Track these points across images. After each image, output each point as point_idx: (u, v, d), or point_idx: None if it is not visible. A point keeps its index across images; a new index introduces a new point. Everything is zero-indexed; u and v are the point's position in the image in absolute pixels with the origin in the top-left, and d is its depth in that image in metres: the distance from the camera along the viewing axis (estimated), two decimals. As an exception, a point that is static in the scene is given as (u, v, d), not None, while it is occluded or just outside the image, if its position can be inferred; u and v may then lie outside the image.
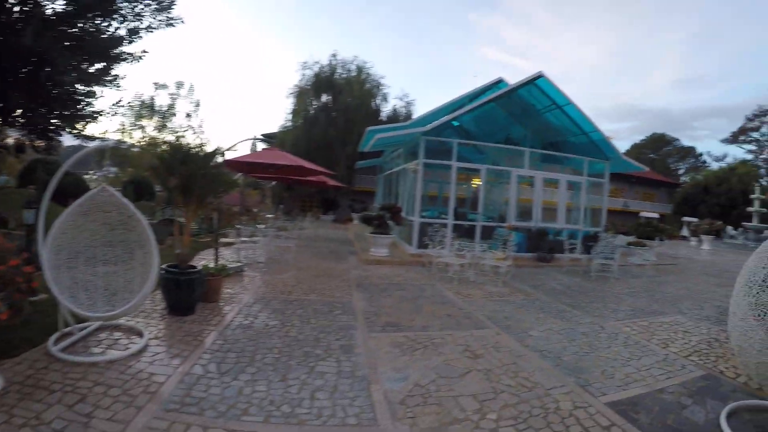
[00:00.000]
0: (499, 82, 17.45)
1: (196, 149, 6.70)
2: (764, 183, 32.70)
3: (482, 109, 14.92)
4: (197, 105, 35.87)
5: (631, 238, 16.32)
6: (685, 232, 29.43)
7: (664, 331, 6.58)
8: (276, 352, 4.60)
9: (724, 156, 56.33)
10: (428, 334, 5.61)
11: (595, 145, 15.76)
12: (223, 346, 4.65)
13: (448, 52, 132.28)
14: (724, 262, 18.04)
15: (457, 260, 9.75)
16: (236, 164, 12.93)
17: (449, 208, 13.79)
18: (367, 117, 28.51)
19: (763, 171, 47.53)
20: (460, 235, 12.86)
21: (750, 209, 28.60)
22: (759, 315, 3.74)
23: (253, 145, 18.89)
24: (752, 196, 28.53)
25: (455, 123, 15.52)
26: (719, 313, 8.08)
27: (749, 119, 50.78)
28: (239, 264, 8.98)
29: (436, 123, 13.42)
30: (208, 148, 7.04)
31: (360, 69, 31.05)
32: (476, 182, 18.49)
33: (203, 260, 7.77)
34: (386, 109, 32.39)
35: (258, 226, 13.25)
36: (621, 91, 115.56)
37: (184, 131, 34.88)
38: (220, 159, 8.00)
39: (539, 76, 14.06)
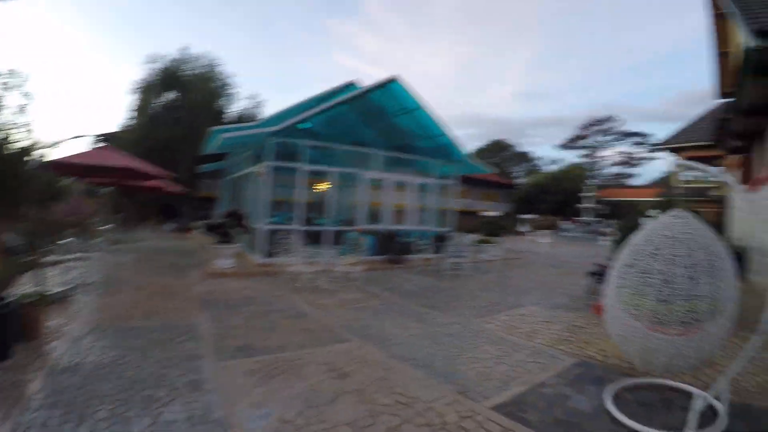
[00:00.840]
0: (350, 85, 18.22)
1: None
2: (591, 183, 40.78)
3: (334, 110, 15.23)
4: (28, 97, 28.87)
5: (479, 236, 18.28)
6: (522, 228, 34.73)
7: (526, 324, 7.24)
8: (111, 401, 3.94)
9: (558, 160, 69.68)
10: (287, 356, 5.30)
11: (444, 148, 17.41)
12: (47, 400, 3.92)
13: (303, 56, 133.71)
14: (562, 253, 21.65)
15: (309, 268, 9.91)
16: (65, 167, 11.89)
17: (298, 213, 13.90)
18: (214, 117, 29.14)
19: (591, 172, 59.66)
20: (310, 241, 13.17)
21: (581, 205, 35.47)
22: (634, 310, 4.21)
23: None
24: (582, 193, 35.41)
25: (305, 125, 15.51)
26: (570, 300, 9.44)
27: (582, 128, 64.34)
28: (66, 287, 8.16)
29: (285, 123, 13.33)
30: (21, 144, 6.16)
31: (211, 66, 31.69)
32: (324, 186, 18.81)
33: (26, 286, 6.21)
34: (234, 110, 33.44)
35: (92, 239, 11.47)
36: (466, 101, 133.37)
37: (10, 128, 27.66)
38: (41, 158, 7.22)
39: (393, 79, 15.09)
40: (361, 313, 7.69)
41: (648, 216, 4.84)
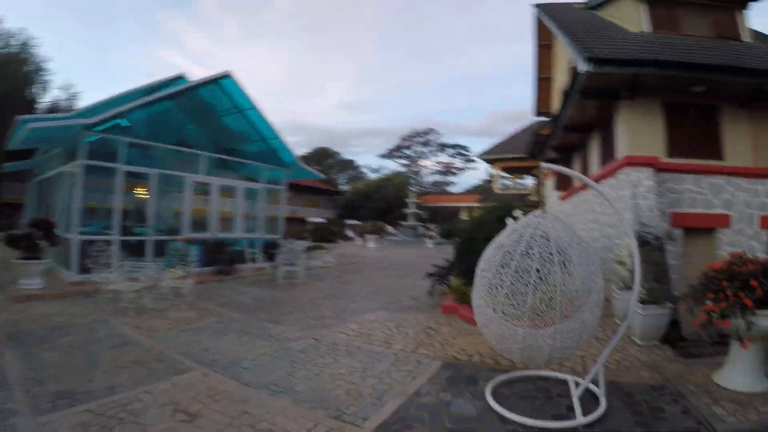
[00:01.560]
0: (178, 78, 16.53)
1: None
2: (414, 190, 43.73)
3: (160, 105, 13.44)
4: None
5: (310, 242, 17.89)
6: (350, 233, 35.55)
7: (379, 330, 7.01)
8: None
9: (381, 168, 73.31)
10: (120, 399, 4.20)
11: (275, 153, 16.73)
12: None
13: (126, 47, 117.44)
14: (392, 256, 22.41)
15: (131, 285, 8.60)
16: None
17: (114, 222, 12.08)
18: (26, 106, 25.44)
19: (413, 180, 64.19)
20: (131, 253, 11.43)
21: (405, 211, 37.63)
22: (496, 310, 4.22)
23: None
24: (407, 200, 37.69)
25: (125, 122, 13.32)
26: (415, 302, 9.52)
27: (404, 139, 68.68)
28: None
29: (103, 115, 11.25)
30: None
31: (25, 46, 28.03)
32: (143, 191, 16.52)
33: None
34: (46, 100, 29.71)
35: None
36: (292, 109, 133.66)
37: None
38: None
39: (226, 75, 14.04)
40: (198, 334, 6.64)
41: (513, 217, 4.88)
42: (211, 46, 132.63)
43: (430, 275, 10.75)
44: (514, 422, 3.78)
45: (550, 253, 3.86)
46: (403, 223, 37.80)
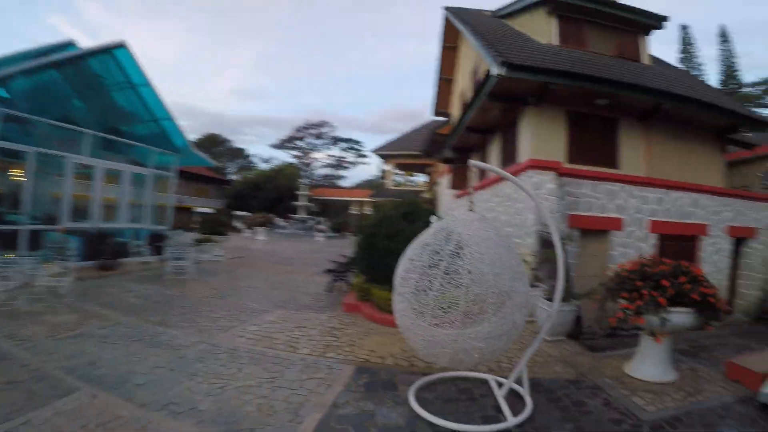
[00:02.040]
0: (67, 45, 14.59)
1: None
2: (305, 182, 42.74)
3: (43, 74, 11.36)
4: None
5: (199, 235, 16.58)
6: (238, 225, 33.89)
7: (281, 332, 6.42)
8: None
9: (272, 158, 70.99)
10: None
11: (166, 135, 15.13)
12: None
13: (8, 8, 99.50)
14: (283, 250, 21.37)
15: (0, 284, 7.39)
16: None
17: None
18: None
19: (304, 172, 62.46)
20: (0, 245, 9.62)
21: (296, 203, 36.62)
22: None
23: None
24: (298, 192, 36.68)
25: (2, 92, 11.02)
26: (314, 299, 9.03)
27: (297, 130, 66.45)
28: None
29: None
30: None
31: None
32: (18, 173, 13.93)
33: None
34: None
35: None
36: (183, 91, 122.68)
37: None
38: None
39: (120, 45, 12.37)
40: (81, 343, 5.55)
41: (433, 219, 4.69)
42: (106, 16, 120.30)
43: (329, 271, 10.36)
44: (445, 429, 3.58)
45: (480, 253, 3.70)
46: (294, 215, 36.90)
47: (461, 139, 14.22)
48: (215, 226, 21.28)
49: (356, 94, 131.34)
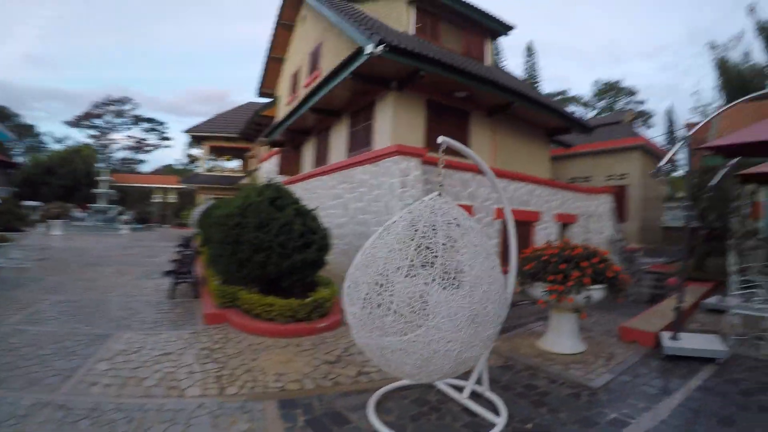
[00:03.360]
0: None
1: None
2: (104, 166, 36.48)
3: None
4: None
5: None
6: (33, 217, 28.04)
7: (146, 366, 4.58)
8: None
9: (66, 138, 60.31)
10: None
11: None
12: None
13: None
14: (89, 247, 17.34)
15: None
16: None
17: None
18: None
19: (101, 155, 53.44)
20: None
21: (96, 191, 31.21)
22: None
23: None
24: (99, 177, 31.20)
25: None
26: (160, 312, 7.00)
27: (96, 106, 58.01)
28: None
29: None
30: None
31: None
32: None
33: None
34: None
35: None
36: None
37: None
38: None
39: None
40: None
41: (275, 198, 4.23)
42: None
43: (169, 273, 8.40)
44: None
45: (475, 245, 3.13)
46: (92, 205, 31.51)
47: (299, 120, 13.40)
48: (10, 220, 17.16)
49: (159, 72, 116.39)
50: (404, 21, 11.54)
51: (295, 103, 14.17)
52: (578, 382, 4.33)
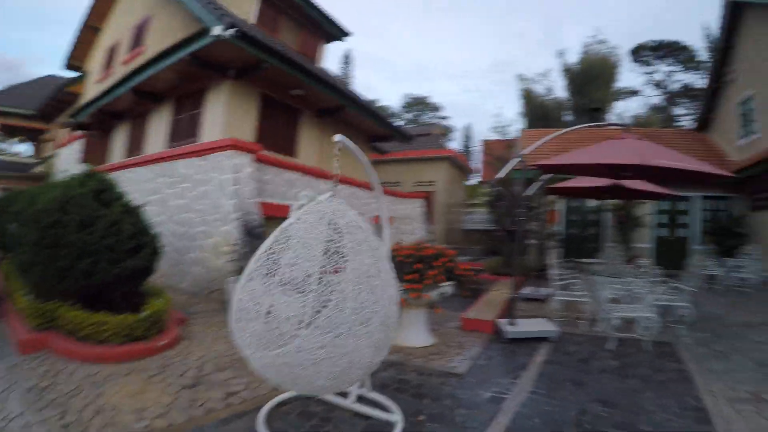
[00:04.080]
0: None
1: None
2: None
3: None
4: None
5: None
6: None
7: None
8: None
9: None
10: None
11: None
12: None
13: None
14: None
15: None
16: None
17: None
18: None
19: None
20: None
21: None
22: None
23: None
24: None
25: None
26: None
27: None
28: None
29: None
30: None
31: None
32: None
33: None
34: None
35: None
36: None
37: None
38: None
39: None
40: None
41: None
42: None
43: None
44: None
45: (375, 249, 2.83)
46: None
47: (115, 101, 11.26)
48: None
49: None
50: (246, 8, 10.63)
51: (110, 81, 11.87)
52: (444, 371, 4.38)
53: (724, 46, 13.31)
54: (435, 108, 51.86)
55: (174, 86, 9.90)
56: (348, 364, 2.55)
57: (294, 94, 9.85)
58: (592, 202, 13.18)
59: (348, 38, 13.52)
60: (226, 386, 3.87)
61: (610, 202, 12.17)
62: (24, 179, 19.40)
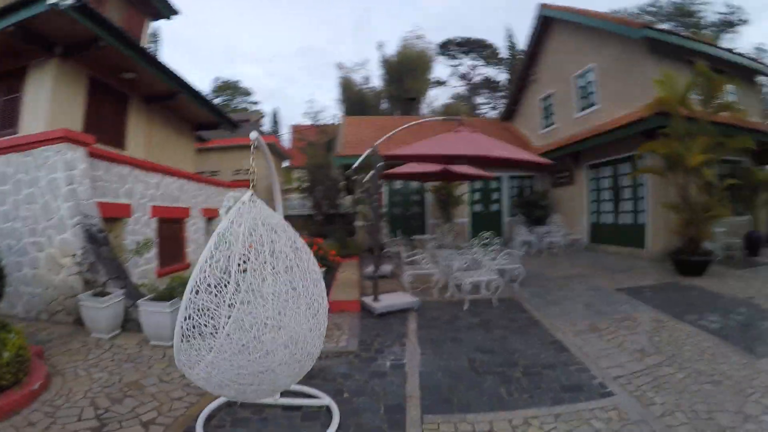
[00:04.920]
0: None
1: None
2: None
3: None
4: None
5: None
6: None
7: None
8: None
9: None
10: None
11: None
12: None
13: None
14: None
15: None
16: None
17: None
18: None
19: None
20: None
21: None
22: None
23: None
24: None
25: None
26: None
27: None
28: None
29: None
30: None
31: None
32: None
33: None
34: None
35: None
36: None
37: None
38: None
39: None
40: None
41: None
42: None
43: None
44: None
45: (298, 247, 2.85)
46: None
47: None
48: None
49: None
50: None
51: None
52: (338, 351, 4.60)
53: (532, 51, 15.79)
54: (246, 93, 50.07)
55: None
56: (307, 356, 2.68)
57: (126, 78, 8.77)
58: (414, 184, 14.48)
59: (175, 17, 12.24)
60: (137, 417, 3.43)
61: (431, 183, 13.52)
62: None
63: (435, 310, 6.24)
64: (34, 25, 6.89)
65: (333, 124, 16.49)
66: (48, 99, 7.43)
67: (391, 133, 7.26)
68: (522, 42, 26.96)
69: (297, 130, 20.06)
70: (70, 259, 6.13)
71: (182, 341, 2.45)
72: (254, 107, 46.58)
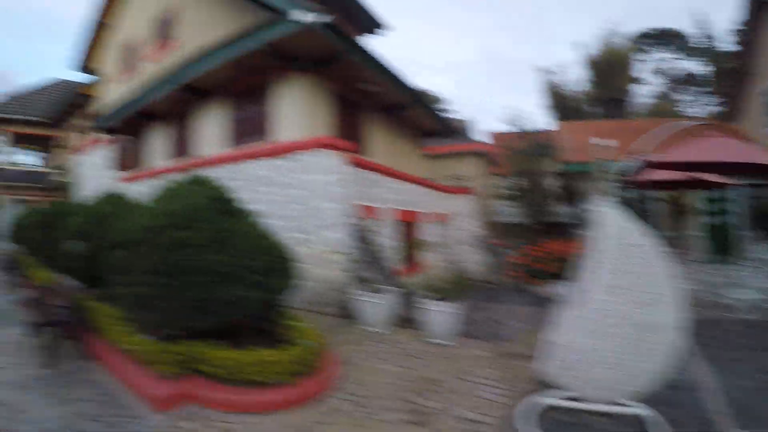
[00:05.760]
0: None
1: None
2: None
3: None
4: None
5: None
6: None
7: None
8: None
9: None
10: None
11: None
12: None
13: None
14: None
15: None
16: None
17: None
18: None
19: None
20: None
21: None
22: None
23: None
24: None
25: None
26: (47, 397, 3.88)
27: None
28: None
29: None
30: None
31: None
32: None
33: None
34: None
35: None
36: None
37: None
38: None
39: None
40: None
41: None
42: None
43: (45, 324, 4.75)
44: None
45: None
46: None
47: (155, 101, 10.50)
48: None
49: None
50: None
51: (136, 80, 11.34)
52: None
53: (746, 39, 13.42)
54: (439, 101, 51.22)
55: (230, 81, 9.29)
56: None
57: (364, 90, 9.42)
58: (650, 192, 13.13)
59: (383, 32, 12.73)
60: (448, 412, 3.53)
61: (665, 193, 12.26)
62: (41, 190, 18.65)
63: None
64: (282, 43, 7.65)
65: (541, 130, 15.97)
66: (298, 109, 8.28)
67: (657, 137, 6.72)
68: (720, 29, 23.14)
69: (499, 137, 19.76)
70: (340, 256, 6.75)
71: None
72: (454, 116, 47.46)
